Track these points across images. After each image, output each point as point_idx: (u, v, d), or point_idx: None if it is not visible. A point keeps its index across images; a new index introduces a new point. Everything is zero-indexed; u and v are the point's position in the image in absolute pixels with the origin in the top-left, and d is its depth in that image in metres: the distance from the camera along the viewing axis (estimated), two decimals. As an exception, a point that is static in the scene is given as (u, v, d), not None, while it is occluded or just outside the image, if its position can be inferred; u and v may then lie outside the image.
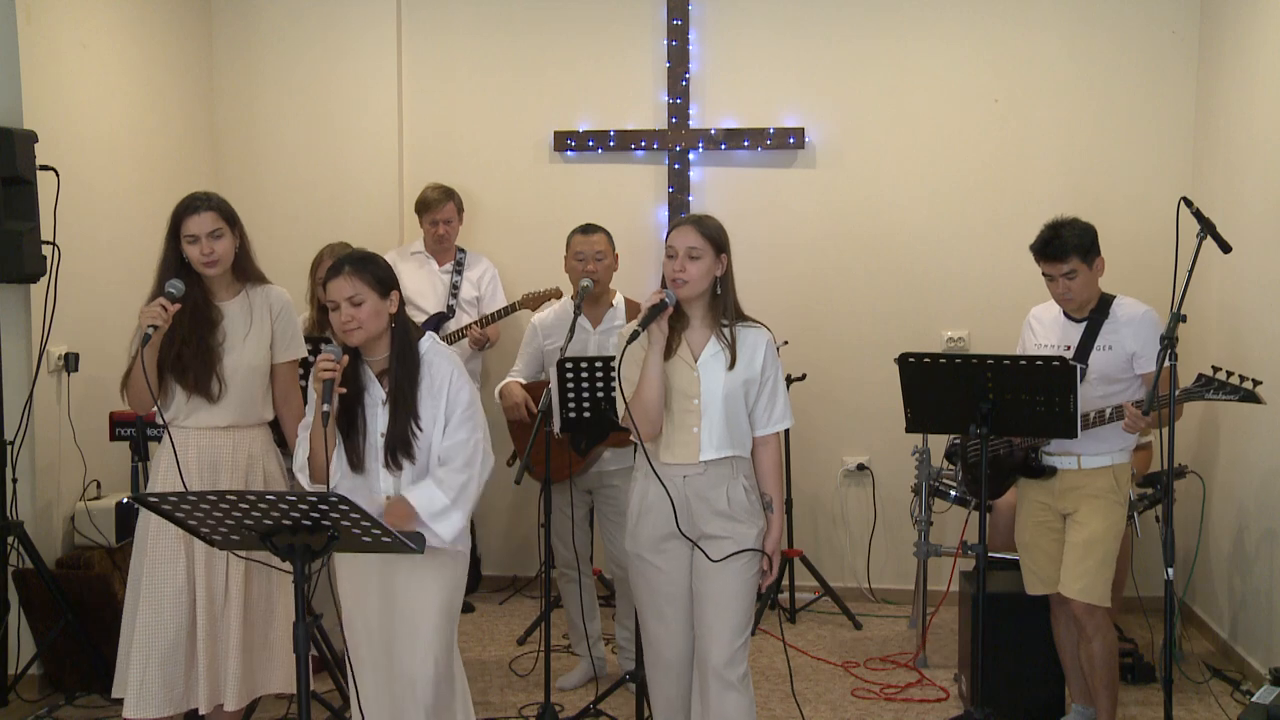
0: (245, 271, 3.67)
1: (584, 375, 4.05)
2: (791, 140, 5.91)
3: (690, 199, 5.99)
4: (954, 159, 5.88)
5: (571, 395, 4.07)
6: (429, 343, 3.38)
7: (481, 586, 6.09)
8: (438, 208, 5.61)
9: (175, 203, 3.59)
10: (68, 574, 4.62)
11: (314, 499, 2.43)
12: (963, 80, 5.87)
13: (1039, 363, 3.70)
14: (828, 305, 5.86)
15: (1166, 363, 3.61)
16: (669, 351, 3.37)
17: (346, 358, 3.25)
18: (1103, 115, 5.78)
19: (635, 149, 6.04)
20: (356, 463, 3.30)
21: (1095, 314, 4.00)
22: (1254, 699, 3.68)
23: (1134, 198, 5.68)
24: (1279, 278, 4.69)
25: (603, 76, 6.07)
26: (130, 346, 3.59)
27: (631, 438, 3.50)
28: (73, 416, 4.82)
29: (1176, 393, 3.65)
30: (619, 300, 4.83)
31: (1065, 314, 4.06)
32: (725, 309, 3.40)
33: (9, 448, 4.47)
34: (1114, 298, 4.02)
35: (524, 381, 4.82)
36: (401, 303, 3.35)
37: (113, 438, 4.68)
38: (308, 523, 2.49)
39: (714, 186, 6.00)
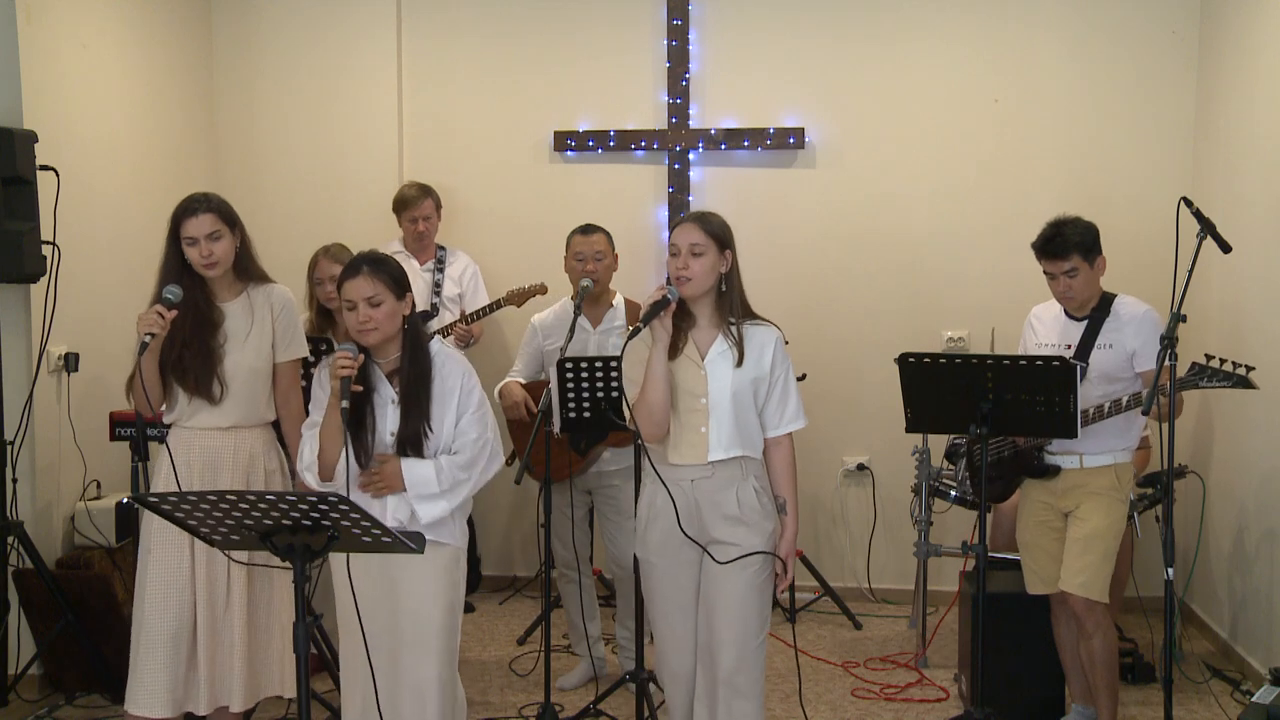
0: (247, 271, 3.66)
1: (584, 375, 4.05)
2: (791, 140, 5.91)
3: (690, 199, 5.99)
4: (954, 159, 5.88)
5: (571, 395, 4.07)
6: (437, 344, 3.42)
7: (481, 586, 6.08)
8: (416, 205, 5.61)
9: (175, 203, 3.58)
10: (68, 574, 4.62)
11: (314, 499, 2.42)
12: (963, 80, 5.87)
13: (1039, 363, 3.70)
14: (828, 305, 5.86)
15: (1167, 362, 3.61)
16: (675, 350, 3.33)
17: (362, 356, 3.27)
18: (1103, 115, 5.78)
19: (635, 149, 6.04)
20: (365, 460, 3.30)
21: (1096, 313, 4.00)
22: (1254, 699, 3.68)
23: (1134, 198, 5.68)
24: (1279, 277, 4.69)
25: (603, 76, 6.07)
26: (134, 352, 3.59)
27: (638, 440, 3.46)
28: (73, 416, 4.82)
29: (1170, 391, 3.64)
30: (619, 300, 4.83)
31: (1066, 313, 4.07)
32: (732, 306, 3.36)
33: (9, 448, 4.47)
34: (1115, 296, 4.02)
35: (524, 381, 4.82)
36: (413, 305, 3.40)
37: (113, 438, 4.68)
38: (308, 523, 2.49)
39: (714, 186, 6.00)
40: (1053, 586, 4.07)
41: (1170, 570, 3.64)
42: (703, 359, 3.34)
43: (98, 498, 4.92)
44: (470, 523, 3.57)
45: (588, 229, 4.74)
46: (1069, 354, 3.97)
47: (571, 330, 4.50)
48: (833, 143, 5.96)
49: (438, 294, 5.66)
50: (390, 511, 3.33)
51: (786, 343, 3.44)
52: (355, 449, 3.26)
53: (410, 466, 3.31)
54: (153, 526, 3.53)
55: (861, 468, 6.01)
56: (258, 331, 3.62)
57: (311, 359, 4.21)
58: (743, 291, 3.41)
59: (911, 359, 3.80)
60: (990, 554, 4.12)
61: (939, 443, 5.16)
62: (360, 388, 3.26)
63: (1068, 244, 3.89)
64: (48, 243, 4.50)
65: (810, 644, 5.34)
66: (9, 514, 4.45)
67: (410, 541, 2.59)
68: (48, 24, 4.81)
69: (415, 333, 3.37)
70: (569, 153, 6.10)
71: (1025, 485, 4.15)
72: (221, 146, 6.22)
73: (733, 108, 5.99)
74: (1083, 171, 5.78)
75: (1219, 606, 5.26)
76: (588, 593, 4.83)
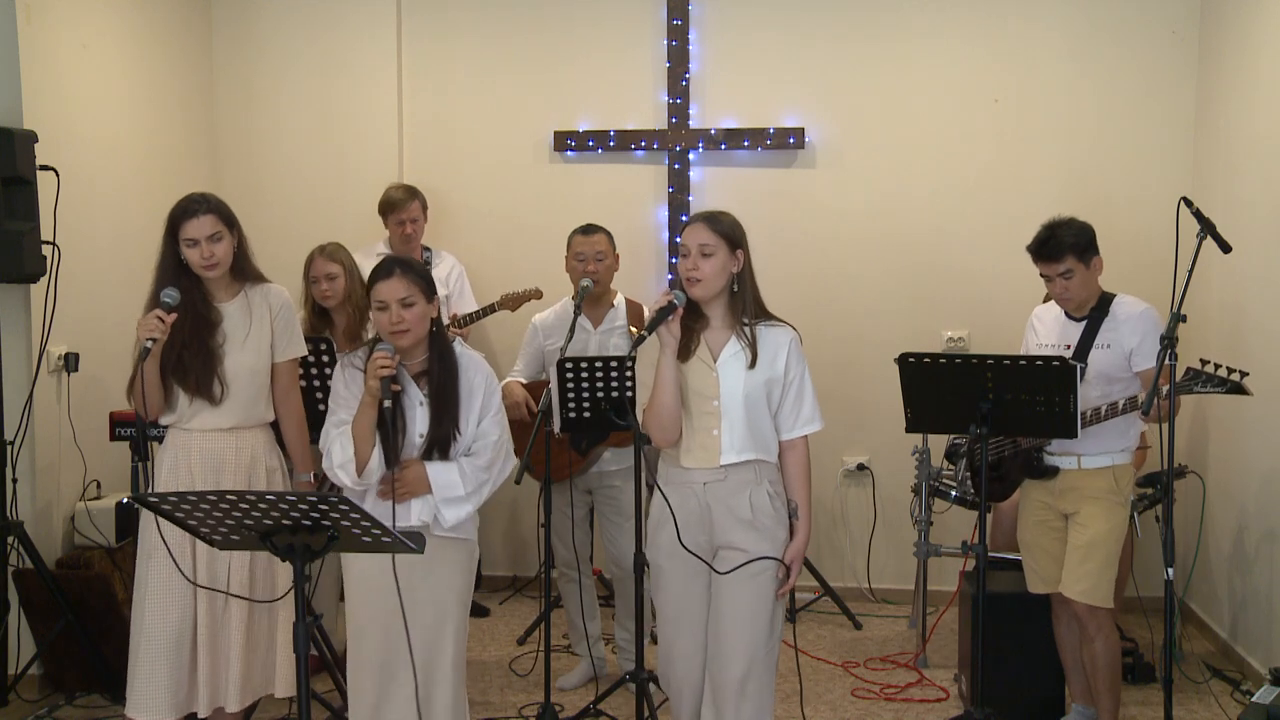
0: (244, 271, 3.66)
1: (584, 375, 4.05)
2: (791, 140, 5.92)
3: (690, 199, 5.99)
4: (954, 159, 5.89)
5: (571, 395, 4.06)
6: (459, 347, 3.47)
7: (481, 586, 6.08)
8: (403, 207, 5.59)
9: (174, 203, 3.57)
10: (68, 574, 4.62)
11: (314, 499, 2.42)
12: (963, 80, 5.87)
13: (1039, 363, 3.70)
14: (828, 305, 5.86)
15: (1167, 362, 3.61)
16: (687, 352, 3.27)
17: (399, 356, 3.29)
18: (1103, 115, 5.78)
19: (635, 149, 6.04)
20: (393, 460, 3.32)
21: (1095, 312, 4.00)
22: (1254, 699, 3.68)
23: (1134, 198, 5.68)
24: (1279, 277, 4.69)
25: (603, 76, 6.07)
26: (133, 353, 3.56)
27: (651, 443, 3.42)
28: (73, 416, 4.82)
29: (1167, 388, 3.64)
30: (619, 301, 4.83)
31: (1066, 313, 4.07)
32: (745, 307, 3.30)
33: (9, 448, 4.47)
34: (1114, 296, 4.02)
35: (524, 381, 4.82)
36: (439, 308, 3.45)
37: (113, 438, 4.68)
38: (308, 523, 2.49)
39: (714, 186, 6.00)
40: (1053, 586, 4.07)
41: (1170, 570, 3.64)
42: (715, 361, 3.27)
43: (98, 498, 4.92)
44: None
45: (589, 229, 4.74)
46: (1068, 354, 3.97)
47: (571, 330, 4.50)
48: (833, 143, 5.97)
49: None
50: (415, 514, 3.35)
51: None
52: (386, 452, 3.29)
53: (435, 470, 3.33)
54: (150, 531, 3.50)
55: (861, 468, 6.01)
56: (257, 331, 3.62)
57: (311, 358, 4.23)
58: (757, 291, 3.34)
59: (911, 359, 3.80)
60: (990, 554, 4.12)
61: (939, 443, 5.16)
62: (399, 387, 3.30)
63: (1062, 246, 3.88)
64: (48, 243, 4.50)
65: (810, 644, 5.34)
66: (9, 514, 4.45)
67: (410, 542, 2.59)
68: (48, 24, 4.81)
69: (441, 335, 3.42)
70: (569, 153, 6.10)
71: (1024, 485, 4.15)
72: (221, 146, 6.22)
73: (733, 108, 5.99)
74: (1083, 171, 5.78)
75: (1219, 606, 5.26)
76: (588, 592, 4.83)
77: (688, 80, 5.98)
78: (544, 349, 4.81)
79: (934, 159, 5.90)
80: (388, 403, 3.19)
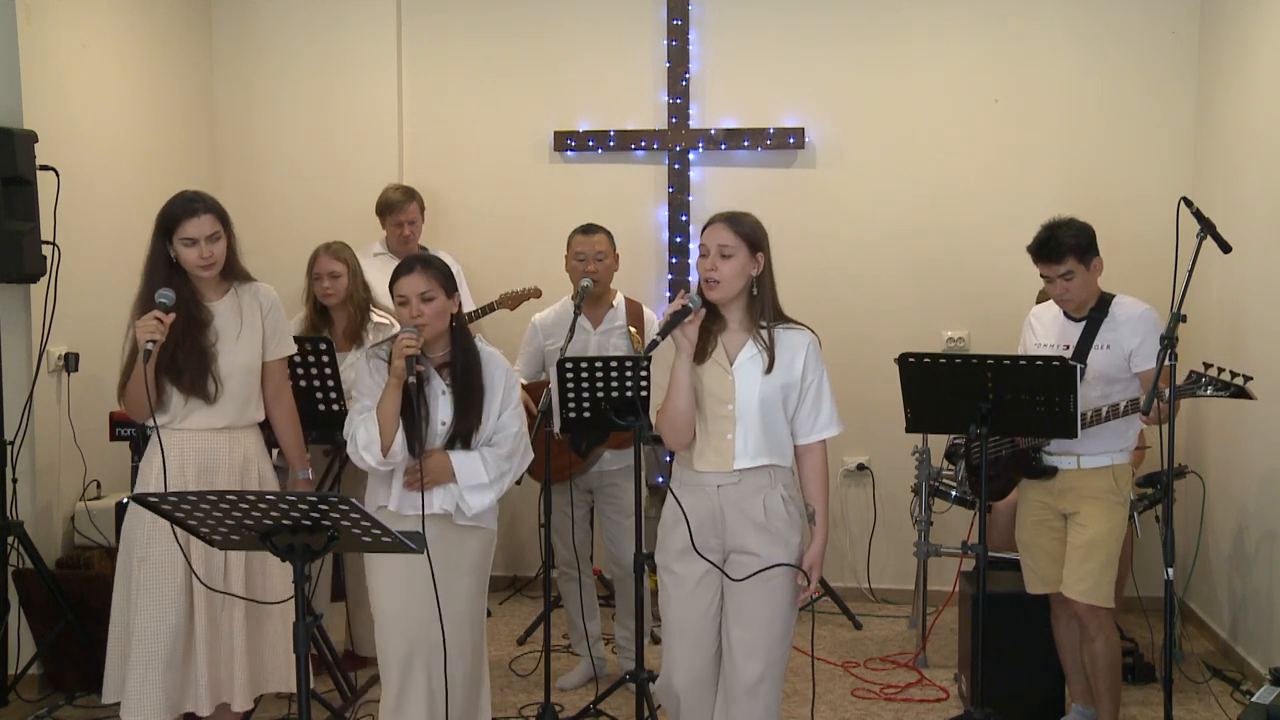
0: (233, 270, 3.62)
1: (584, 375, 4.04)
2: (791, 140, 5.92)
3: (690, 199, 6.00)
4: (954, 159, 5.89)
5: (571, 395, 4.06)
6: (479, 343, 3.58)
7: (481, 586, 6.08)
8: (401, 209, 5.59)
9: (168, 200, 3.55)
10: (68, 574, 4.62)
11: (314, 499, 2.43)
12: (963, 80, 5.87)
13: (1039, 363, 3.70)
14: (828, 305, 5.85)
15: (1167, 362, 3.61)
16: (704, 354, 3.23)
17: (423, 337, 3.39)
18: (1103, 115, 5.78)
19: (635, 149, 6.04)
20: (418, 448, 3.41)
21: (1094, 313, 4.00)
22: (1254, 699, 3.68)
23: (1134, 198, 5.68)
24: (1279, 277, 4.69)
25: (603, 76, 6.07)
26: (122, 354, 3.55)
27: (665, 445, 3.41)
28: (73, 416, 4.82)
29: (1167, 389, 3.64)
30: (619, 300, 4.83)
31: (1065, 313, 4.06)
32: (764, 310, 3.26)
33: (9, 448, 4.47)
34: (1113, 297, 4.02)
35: (524, 381, 4.81)
36: (460, 305, 3.56)
37: (113, 438, 4.68)
38: (308, 523, 2.49)
39: (714, 186, 6.01)
40: (1052, 586, 4.07)
41: (1170, 570, 3.64)
42: (731, 364, 3.23)
43: (98, 498, 4.93)
44: None
45: (589, 229, 4.74)
46: (1067, 355, 3.97)
47: (571, 330, 4.50)
48: (833, 143, 5.97)
49: None
50: (438, 503, 3.46)
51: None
52: (409, 438, 3.40)
53: (459, 459, 3.45)
54: (143, 528, 3.48)
55: (861, 468, 6.01)
56: (249, 329, 3.61)
57: (312, 358, 4.22)
58: (775, 294, 3.30)
59: (911, 359, 3.80)
60: (990, 554, 4.12)
61: (939, 443, 5.16)
62: (423, 367, 3.42)
63: (1062, 247, 3.88)
64: (48, 243, 4.50)
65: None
66: (9, 514, 4.45)
67: (410, 541, 2.59)
68: (48, 24, 4.81)
69: (463, 330, 3.54)
70: (569, 153, 6.10)
71: (1023, 485, 4.15)
72: (221, 146, 6.22)
73: (733, 108, 5.99)
74: (1083, 171, 5.78)
75: (1219, 606, 5.26)
76: (588, 592, 4.82)
77: (688, 80, 5.98)
78: (543, 349, 4.81)
79: (934, 159, 5.90)
80: (412, 379, 3.31)
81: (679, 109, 5.98)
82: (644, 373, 3.97)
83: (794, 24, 5.95)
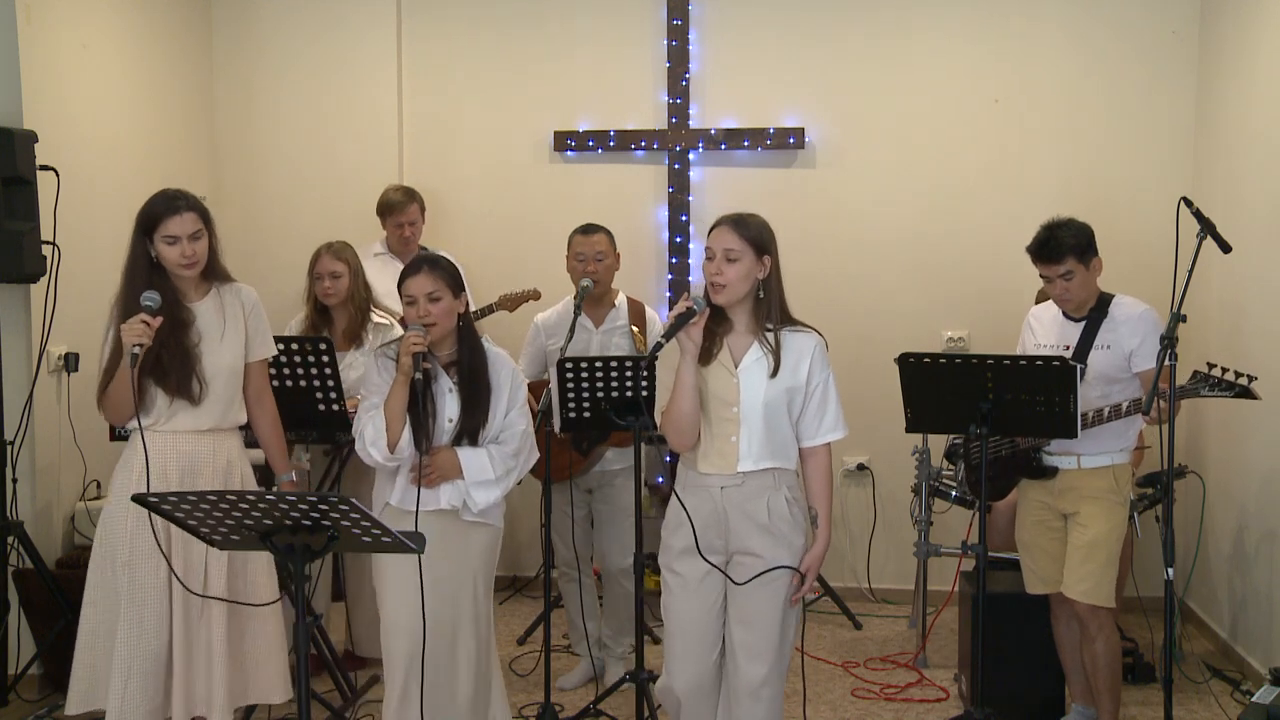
0: (214, 271, 3.57)
1: (584, 375, 4.04)
2: (791, 140, 5.92)
3: (690, 199, 6.00)
4: (954, 159, 5.89)
5: (571, 395, 4.06)
6: (486, 343, 3.61)
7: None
8: (402, 210, 5.58)
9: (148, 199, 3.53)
10: (68, 574, 4.61)
11: (314, 499, 2.43)
12: (963, 80, 5.87)
13: (1039, 363, 3.70)
14: (828, 305, 5.83)
15: (1167, 362, 3.60)
16: (709, 356, 3.22)
17: (430, 336, 3.43)
18: (1103, 115, 5.78)
19: (635, 149, 6.04)
20: (425, 444, 3.46)
21: (1094, 313, 4.00)
22: (1254, 699, 3.68)
23: (1134, 198, 5.68)
24: (1279, 277, 4.69)
25: (603, 76, 6.07)
26: (101, 355, 3.50)
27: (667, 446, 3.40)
28: (73, 416, 4.82)
29: (1168, 389, 3.64)
30: (621, 300, 4.83)
31: (1064, 313, 4.06)
32: (770, 313, 3.24)
33: (9, 448, 4.47)
34: (1113, 297, 4.02)
35: (527, 381, 4.81)
36: (468, 304, 3.58)
37: (113, 438, 4.65)
38: (308, 523, 2.49)
39: (714, 186, 6.01)
40: (1052, 586, 4.07)
41: (1170, 570, 3.64)
42: (736, 366, 3.22)
43: (98, 498, 4.92)
44: None
45: (589, 228, 4.74)
46: (1067, 355, 3.97)
47: (571, 330, 4.50)
48: (833, 143, 5.97)
49: None
50: (445, 499, 3.50)
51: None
52: (416, 434, 3.44)
53: (466, 455, 3.49)
54: (122, 538, 3.42)
55: (861, 468, 6.01)
56: (232, 330, 3.57)
57: (312, 357, 4.22)
58: (783, 297, 3.28)
59: (911, 359, 3.80)
60: (990, 554, 4.12)
61: (939, 443, 5.16)
62: (430, 365, 3.45)
63: (1062, 247, 3.88)
64: (48, 243, 4.50)
65: (810, 644, 5.34)
66: (9, 514, 4.45)
67: (410, 542, 2.59)
68: (48, 24, 4.81)
69: (470, 330, 3.58)
70: (569, 153, 6.10)
71: (1023, 485, 4.15)
72: (221, 146, 6.22)
73: (733, 108, 5.99)
74: (1083, 172, 5.78)
75: (1219, 606, 5.26)
76: (588, 593, 4.82)
77: (688, 80, 5.98)
78: (546, 349, 4.81)
79: (934, 159, 5.90)
80: (418, 375, 3.34)
81: (679, 109, 5.98)
82: (645, 374, 3.97)
83: (794, 24, 5.95)
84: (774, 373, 3.21)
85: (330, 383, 4.17)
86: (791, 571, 3.25)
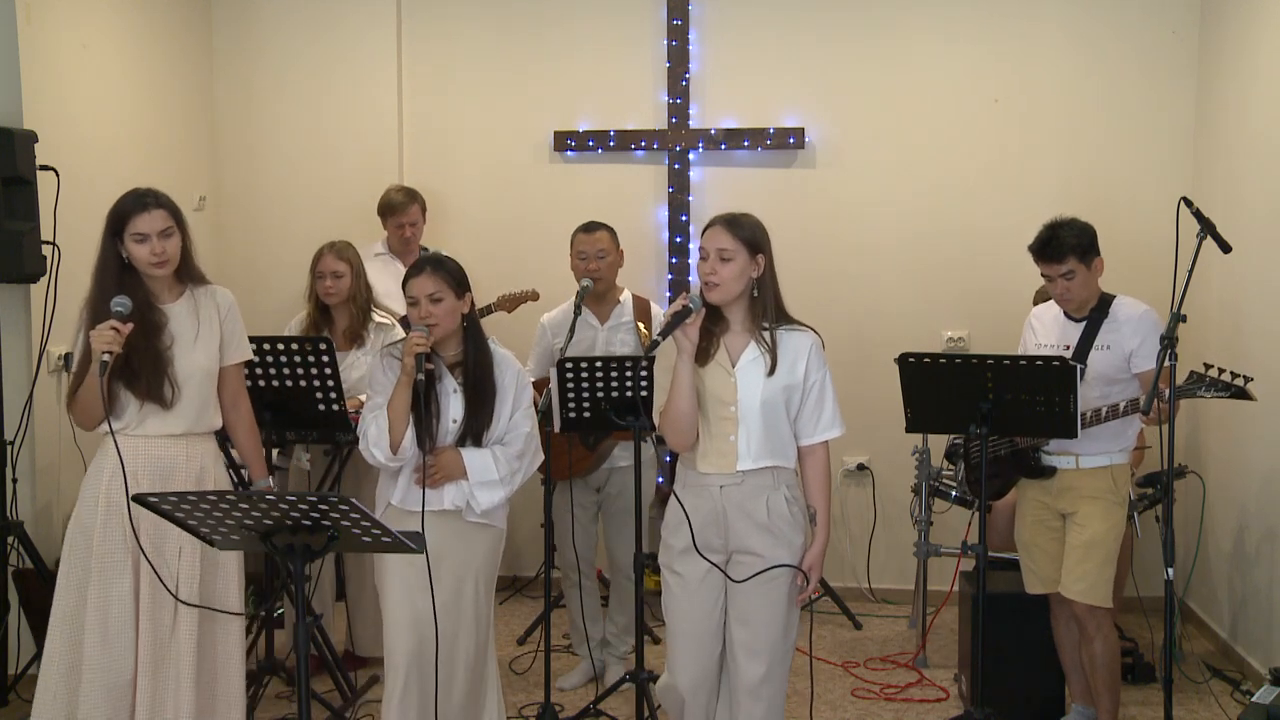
0: (189, 272, 3.49)
1: (584, 375, 4.05)
2: (791, 140, 5.92)
3: (690, 199, 6.00)
4: (954, 159, 5.88)
5: (571, 395, 4.07)
6: (492, 344, 3.60)
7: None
8: (403, 210, 5.58)
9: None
10: (68, 574, 4.61)
11: (314, 499, 2.43)
12: (963, 80, 5.87)
13: (1039, 363, 3.70)
14: (828, 305, 5.84)
15: (1167, 363, 3.61)
16: (706, 356, 3.23)
17: (433, 336, 3.42)
18: (1103, 115, 5.78)
19: (635, 149, 6.04)
20: (430, 445, 3.45)
21: (1095, 313, 4.00)
22: (1254, 699, 3.68)
23: (1134, 198, 5.68)
24: (1279, 277, 4.69)
25: (603, 76, 6.07)
26: (72, 360, 3.44)
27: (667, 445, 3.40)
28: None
29: (1168, 390, 3.64)
30: (626, 297, 4.83)
31: (1065, 314, 4.06)
32: (766, 311, 3.25)
33: (9, 448, 4.47)
34: (1114, 297, 4.02)
35: (534, 380, 4.81)
36: (473, 304, 3.55)
37: (112, 438, 4.67)
38: (308, 523, 2.49)
39: (714, 186, 6.01)
40: (1051, 586, 4.07)
41: (1170, 570, 3.64)
42: (733, 366, 3.23)
43: (98, 498, 4.91)
44: None
45: (590, 226, 4.74)
46: (1067, 355, 3.97)
47: (571, 330, 4.50)
48: (833, 143, 5.97)
49: None
50: (448, 499, 3.49)
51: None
52: (420, 435, 3.43)
53: (470, 455, 3.48)
54: (87, 548, 3.36)
55: (861, 468, 6.01)
56: (206, 332, 3.47)
57: (312, 358, 4.22)
58: (779, 295, 3.29)
59: (911, 359, 3.80)
60: (989, 554, 4.12)
61: (939, 443, 5.16)
62: (432, 365, 3.45)
63: (1064, 247, 3.88)
64: (48, 243, 4.50)
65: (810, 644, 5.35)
66: (9, 514, 4.45)
67: (410, 541, 2.59)
68: (48, 24, 4.81)
69: (475, 330, 3.56)
70: (569, 153, 6.10)
71: (1022, 485, 4.15)
72: (221, 146, 6.22)
73: (733, 108, 5.99)
74: (1083, 171, 5.78)
75: (1219, 606, 5.26)
76: (589, 594, 4.82)
77: (688, 80, 5.98)
78: (553, 348, 4.80)
79: (934, 159, 5.90)
80: (420, 376, 3.33)
81: (679, 109, 5.98)
82: (644, 373, 3.97)
83: (794, 24, 5.95)
84: (771, 371, 3.21)
85: (330, 383, 4.17)
86: (791, 571, 3.26)
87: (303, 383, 4.17)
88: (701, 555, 3.23)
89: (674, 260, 6.00)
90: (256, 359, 4.10)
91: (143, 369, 3.35)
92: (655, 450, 3.89)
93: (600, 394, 4.04)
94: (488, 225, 6.13)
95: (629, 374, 3.99)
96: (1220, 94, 5.43)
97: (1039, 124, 5.83)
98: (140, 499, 2.52)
